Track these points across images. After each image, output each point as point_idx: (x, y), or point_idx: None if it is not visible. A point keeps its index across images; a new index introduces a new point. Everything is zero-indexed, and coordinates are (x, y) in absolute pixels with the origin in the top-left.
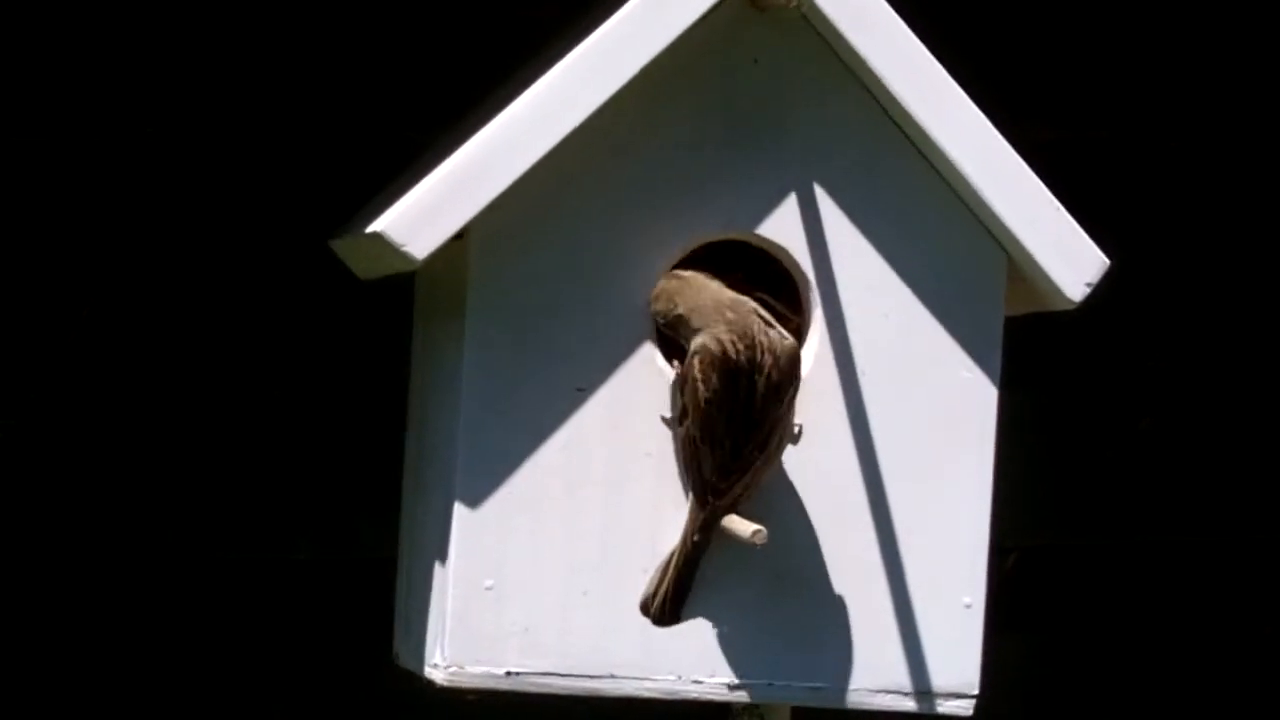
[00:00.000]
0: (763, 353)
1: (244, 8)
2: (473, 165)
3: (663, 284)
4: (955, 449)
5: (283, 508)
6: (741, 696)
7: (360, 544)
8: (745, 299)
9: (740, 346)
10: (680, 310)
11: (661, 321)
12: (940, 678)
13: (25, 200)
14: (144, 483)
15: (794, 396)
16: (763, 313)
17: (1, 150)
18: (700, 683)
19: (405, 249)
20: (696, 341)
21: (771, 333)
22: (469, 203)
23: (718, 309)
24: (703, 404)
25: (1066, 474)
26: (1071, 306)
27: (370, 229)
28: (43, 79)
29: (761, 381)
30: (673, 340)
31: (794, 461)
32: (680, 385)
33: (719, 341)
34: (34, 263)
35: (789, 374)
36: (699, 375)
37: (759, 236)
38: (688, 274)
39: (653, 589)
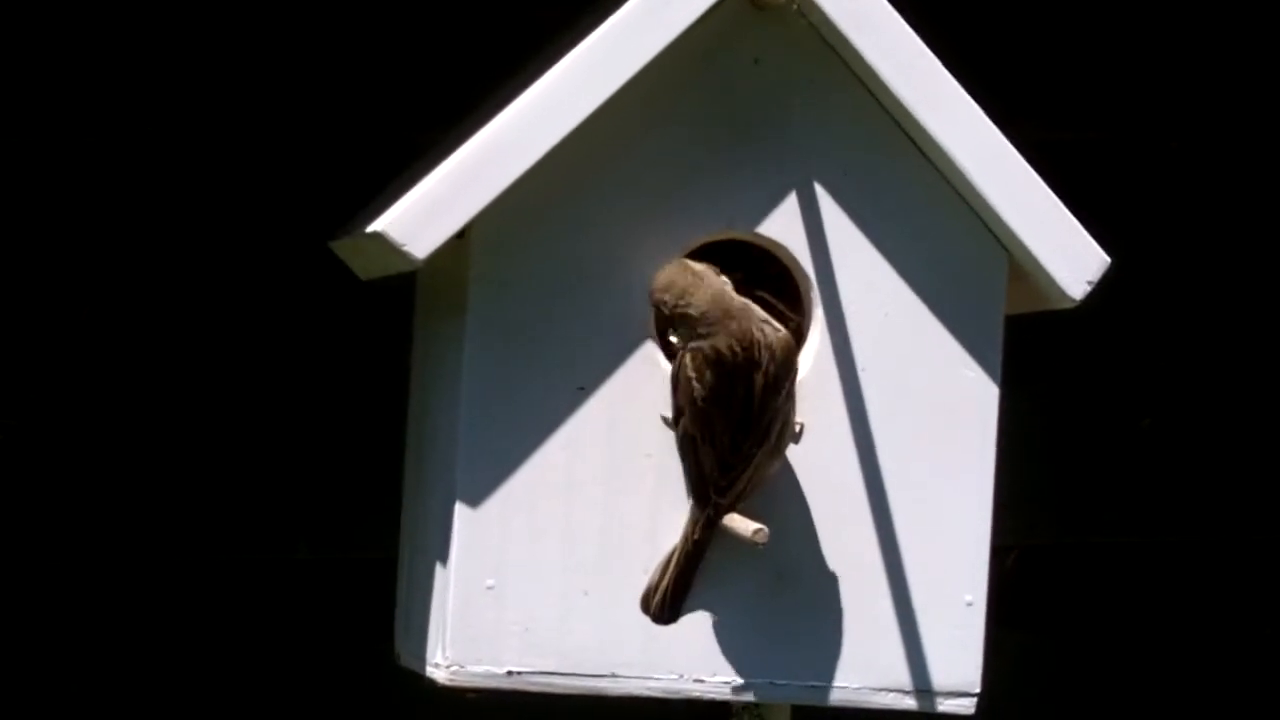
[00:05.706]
0: (760, 349)
1: (245, 8)
2: (473, 164)
3: (674, 275)
4: (956, 447)
5: (283, 508)
6: (743, 695)
7: (360, 544)
8: (749, 303)
9: (738, 348)
10: (691, 310)
11: (666, 310)
12: (941, 676)
13: (25, 200)
14: (144, 483)
15: (791, 388)
16: (759, 311)
17: (2, 150)
18: (702, 681)
19: (406, 248)
20: (693, 343)
21: (766, 327)
22: (470, 202)
23: (726, 316)
24: (699, 401)
25: (1067, 472)
26: (1072, 305)
27: (371, 229)
28: (43, 79)
29: (759, 377)
30: (668, 334)
31: (795, 460)
32: (674, 385)
33: (714, 347)
34: (34, 263)
35: (786, 366)
36: (692, 374)
37: (760, 236)
38: (700, 268)
39: (652, 586)
